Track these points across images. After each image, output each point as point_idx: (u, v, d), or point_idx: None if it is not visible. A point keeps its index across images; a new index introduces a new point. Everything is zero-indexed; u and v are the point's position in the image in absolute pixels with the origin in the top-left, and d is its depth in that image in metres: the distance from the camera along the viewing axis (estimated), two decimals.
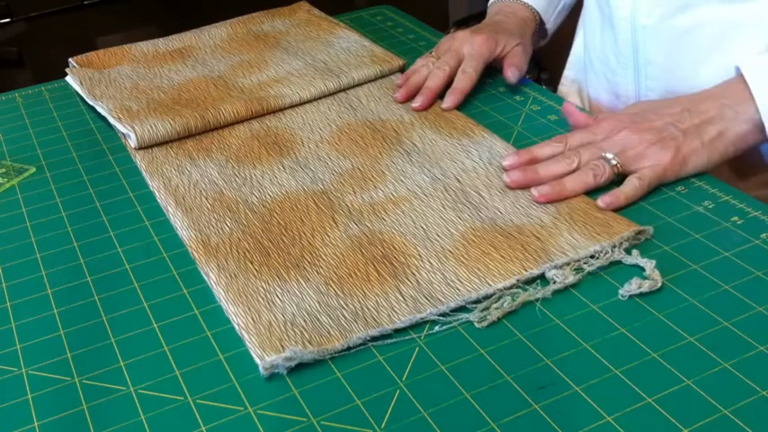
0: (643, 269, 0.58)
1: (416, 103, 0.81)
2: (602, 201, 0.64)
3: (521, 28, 0.90)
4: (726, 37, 0.74)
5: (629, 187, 0.65)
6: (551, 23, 0.94)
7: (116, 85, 0.87)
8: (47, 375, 0.53)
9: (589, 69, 0.91)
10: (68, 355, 0.54)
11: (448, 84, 0.83)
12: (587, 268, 0.58)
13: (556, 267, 0.58)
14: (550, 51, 1.02)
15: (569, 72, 0.99)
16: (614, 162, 0.66)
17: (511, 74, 0.84)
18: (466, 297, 0.56)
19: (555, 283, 0.57)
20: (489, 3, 0.97)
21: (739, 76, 0.69)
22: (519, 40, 0.87)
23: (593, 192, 0.66)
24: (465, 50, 0.84)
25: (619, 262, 0.59)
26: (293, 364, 0.51)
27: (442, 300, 0.56)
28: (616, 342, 0.52)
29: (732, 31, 0.73)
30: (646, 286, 0.56)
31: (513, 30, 0.89)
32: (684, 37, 0.76)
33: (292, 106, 0.83)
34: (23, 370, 0.53)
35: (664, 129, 0.67)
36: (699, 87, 0.76)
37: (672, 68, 0.78)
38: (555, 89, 0.99)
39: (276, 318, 0.55)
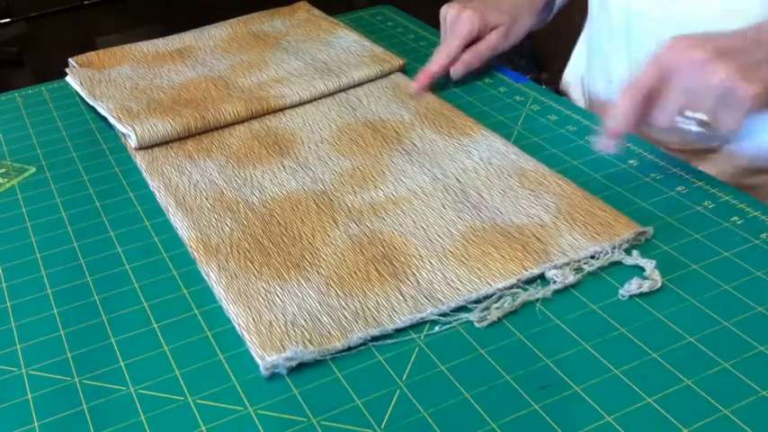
0: (643, 269, 0.58)
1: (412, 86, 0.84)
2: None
3: (513, 3, 0.88)
4: (715, 25, 0.74)
5: None
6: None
7: (116, 85, 0.87)
8: (47, 375, 0.53)
9: (589, 60, 0.91)
10: (68, 355, 0.54)
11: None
12: (587, 268, 0.58)
13: (556, 267, 0.58)
14: (551, 51, 1.02)
15: (572, 65, 0.98)
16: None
17: (452, 71, 0.85)
18: (466, 297, 0.56)
19: (555, 283, 0.57)
20: None
21: None
22: (506, 20, 0.86)
23: (599, 188, 0.66)
24: (450, 29, 0.86)
25: (619, 262, 0.59)
26: (294, 363, 0.51)
27: (443, 300, 0.56)
28: (616, 342, 0.52)
29: (723, 23, 0.73)
30: (646, 286, 0.56)
31: (503, 4, 0.87)
32: (675, 23, 0.76)
33: (292, 106, 0.83)
34: (23, 370, 0.53)
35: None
36: None
37: None
38: (556, 89, 0.99)
39: (277, 318, 0.55)
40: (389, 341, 0.53)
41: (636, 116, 0.63)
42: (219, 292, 0.58)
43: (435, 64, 0.84)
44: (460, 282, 0.57)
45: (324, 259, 0.60)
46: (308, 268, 0.60)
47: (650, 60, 0.63)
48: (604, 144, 0.64)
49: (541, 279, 0.58)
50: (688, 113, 0.61)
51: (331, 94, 0.85)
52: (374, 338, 0.53)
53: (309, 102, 0.84)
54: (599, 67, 0.88)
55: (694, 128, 0.61)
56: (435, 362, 0.52)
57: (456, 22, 0.85)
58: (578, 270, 0.58)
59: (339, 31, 0.97)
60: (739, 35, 0.62)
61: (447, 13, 0.87)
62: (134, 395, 0.51)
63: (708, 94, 0.59)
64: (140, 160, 0.75)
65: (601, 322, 0.54)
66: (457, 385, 0.50)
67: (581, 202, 0.65)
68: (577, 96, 0.96)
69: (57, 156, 0.79)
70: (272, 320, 0.54)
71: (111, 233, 0.66)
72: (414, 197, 0.67)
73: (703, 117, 0.60)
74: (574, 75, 0.98)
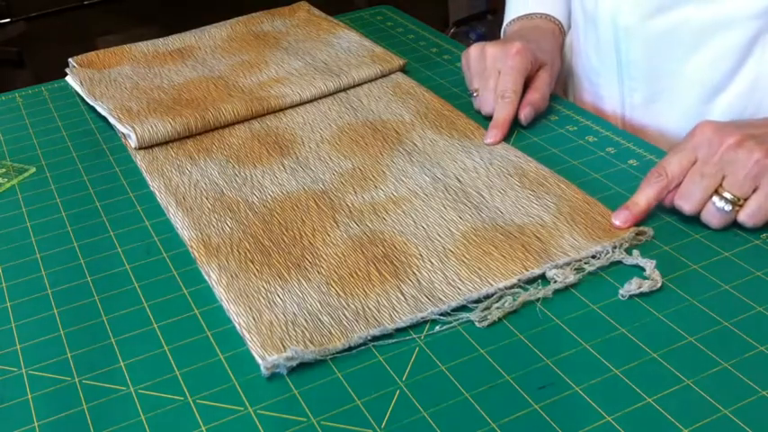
0: (643, 269, 0.58)
1: (489, 138, 0.74)
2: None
3: (551, 43, 0.84)
4: (705, 37, 0.74)
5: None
6: (567, 34, 0.90)
7: (116, 85, 0.87)
8: (47, 375, 0.53)
9: (573, 72, 0.91)
10: (68, 355, 0.54)
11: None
12: (588, 268, 0.58)
13: (556, 267, 0.58)
14: None
15: None
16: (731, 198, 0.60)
17: (524, 116, 0.76)
18: (467, 296, 0.56)
19: (555, 282, 0.57)
20: (506, 23, 0.91)
21: None
22: (548, 59, 0.80)
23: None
24: (499, 67, 0.77)
25: (619, 262, 0.59)
26: (294, 363, 0.51)
27: (443, 299, 0.56)
28: (616, 342, 0.52)
29: (711, 31, 0.74)
30: (646, 286, 0.56)
31: (543, 44, 0.82)
32: (665, 37, 0.76)
33: (293, 106, 0.83)
34: (23, 370, 0.53)
35: None
36: (681, 87, 0.77)
37: (654, 68, 0.79)
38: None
39: (277, 317, 0.55)
40: (390, 341, 0.53)
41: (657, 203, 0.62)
42: (220, 291, 0.58)
43: (505, 110, 0.75)
44: (461, 281, 0.57)
45: (324, 259, 0.60)
46: (309, 268, 0.60)
47: (679, 147, 0.62)
48: (623, 222, 0.62)
49: (542, 279, 0.58)
50: (715, 197, 0.60)
51: (331, 94, 0.85)
52: (374, 338, 0.53)
53: (310, 102, 0.84)
54: (586, 80, 0.88)
55: (727, 207, 0.59)
56: (435, 362, 0.52)
57: (506, 59, 0.76)
58: (579, 270, 0.58)
59: (339, 32, 0.97)
60: (760, 125, 0.62)
61: (484, 51, 0.79)
62: (134, 395, 0.51)
63: (742, 174, 0.59)
64: (140, 160, 0.75)
65: (601, 322, 0.54)
66: (457, 385, 0.50)
67: (581, 206, 0.64)
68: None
69: (57, 156, 0.79)
70: (273, 320, 0.54)
71: (111, 233, 0.66)
72: (414, 197, 0.67)
73: (731, 197, 0.59)
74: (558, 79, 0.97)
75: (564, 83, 0.95)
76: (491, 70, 0.78)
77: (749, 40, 0.73)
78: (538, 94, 0.78)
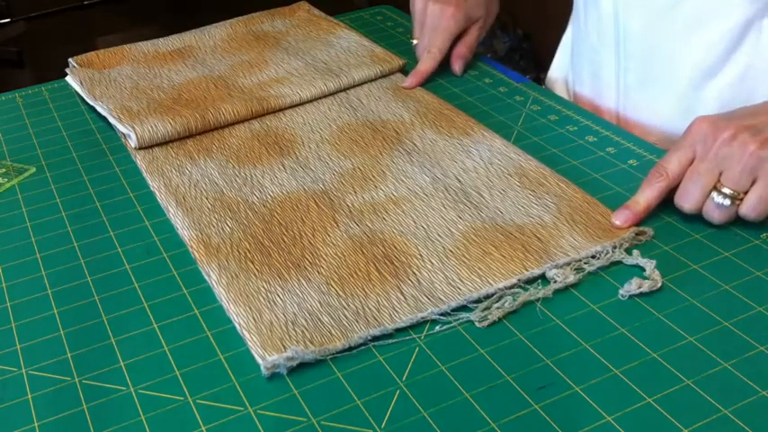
0: (643, 269, 0.58)
1: (405, 83, 0.87)
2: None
3: None
4: (705, 17, 0.74)
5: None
6: None
7: (116, 85, 0.87)
8: (47, 375, 0.53)
9: (575, 55, 0.91)
10: (68, 355, 0.54)
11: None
12: (588, 268, 0.58)
13: (556, 267, 0.58)
14: (551, 51, 1.02)
15: (556, 65, 0.99)
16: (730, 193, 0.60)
17: (457, 68, 0.89)
18: (467, 296, 0.56)
19: (555, 282, 0.57)
20: None
21: None
22: (482, 13, 0.90)
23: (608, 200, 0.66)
24: (435, 25, 0.88)
25: (619, 262, 0.59)
26: (294, 363, 0.51)
27: (444, 299, 0.56)
28: (616, 342, 0.52)
29: (712, 12, 0.73)
30: (646, 286, 0.56)
31: None
32: (665, 13, 0.76)
33: (292, 106, 0.83)
34: (23, 370, 0.53)
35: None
36: (674, 69, 0.77)
37: (650, 47, 0.79)
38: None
39: (277, 317, 0.55)
40: (390, 341, 0.53)
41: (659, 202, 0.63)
42: (220, 291, 0.58)
43: (428, 63, 0.87)
44: (461, 281, 0.57)
45: (324, 259, 0.60)
46: (309, 268, 0.60)
47: (677, 145, 0.62)
48: (623, 222, 0.62)
49: (542, 279, 0.58)
50: (714, 193, 0.60)
51: (331, 94, 0.85)
52: (374, 338, 0.53)
53: (310, 102, 0.84)
54: (586, 60, 0.88)
55: (726, 202, 0.59)
56: (435, 362, 0.52)
57: (441, 19, 0.88)
58: (579, 270, 0.58)
59: (339, 31, 0.97)
60: (755, 113, 0.62)
61: (427, 6, 0.89)
62: (134, 395, 0.51)
63: (738, 168, 0.59)
64: (140, 160, 0.75)
65: (601, 322, 0.54)
66: (457, 385, 0.50)
67: (581, 206, 0.64)
68: (561, 95, 0.96)
69: (57, 156, 0.79)
70: (273, 320, 0.54)
71: (111, 233, 0.66)
72: (414, 197, 0.67)
73: (730, 192, 0.59)
74: (558, 74, 0.98)
75: (563, 70, 0.96)
76: (428, 27, 0.90)
77: (744, 25, 0.72)
78: (465, 47, 0.90)
